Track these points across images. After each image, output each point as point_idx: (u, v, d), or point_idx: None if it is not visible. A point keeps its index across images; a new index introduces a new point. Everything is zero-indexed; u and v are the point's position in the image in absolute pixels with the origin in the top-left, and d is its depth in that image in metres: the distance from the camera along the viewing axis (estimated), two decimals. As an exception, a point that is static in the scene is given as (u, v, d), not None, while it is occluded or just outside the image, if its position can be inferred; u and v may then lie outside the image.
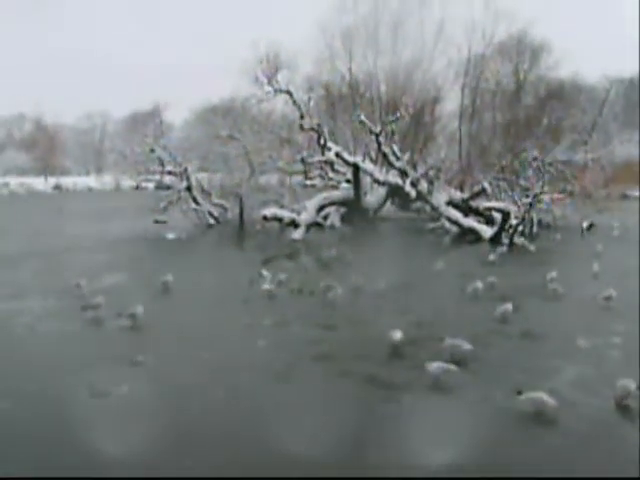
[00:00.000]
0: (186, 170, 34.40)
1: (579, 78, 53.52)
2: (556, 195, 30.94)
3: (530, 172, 29.43)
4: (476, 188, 31.24)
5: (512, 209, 27.08)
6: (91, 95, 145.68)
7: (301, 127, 32.28)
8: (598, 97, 49.52)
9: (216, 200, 35.28)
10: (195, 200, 34.64)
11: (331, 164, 34.19)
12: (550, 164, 29.02)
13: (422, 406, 8.78)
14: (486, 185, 30.13)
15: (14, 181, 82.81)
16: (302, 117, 31.87)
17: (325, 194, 33.16)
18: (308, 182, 37.06)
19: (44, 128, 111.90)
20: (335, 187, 35.64)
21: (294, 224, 29.44)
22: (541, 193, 27.45)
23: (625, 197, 50.50)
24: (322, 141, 31.70)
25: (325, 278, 17.13)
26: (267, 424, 8.23)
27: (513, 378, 9.69)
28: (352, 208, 33.00)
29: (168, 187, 35.50)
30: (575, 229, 30.46)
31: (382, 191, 33.59)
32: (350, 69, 49.88)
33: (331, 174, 35.76)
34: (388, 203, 34.28)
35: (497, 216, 28.29)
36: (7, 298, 15.91)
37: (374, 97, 49.04)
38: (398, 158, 30.76)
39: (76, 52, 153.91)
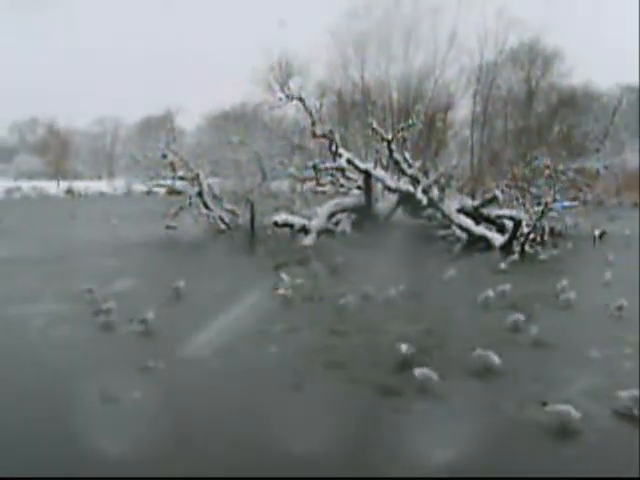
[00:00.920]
0: (198, 175, 34.49)
1: (591, 86, 53.50)
2: (568, 203, 30.84)
3: (542, 180, 29.38)
4: (487, 195, 31.16)
5: (523, 217, 27.01)
6: (104, 100, 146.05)
7: (313, 134, 32.28)
8: (610, 105, 49.35)
9: (227, 206, 35.33)
10: (206, 205, 34.69)
11: (342, 171, 34.16)
12: (562, 172, 28.94)
13: (431, 415, 8.75)
14: (497, 193, 30.05)
15: (26, 185, 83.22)
16: (314, 124, 31.88)
17: (336, 200, 33.15)
18: (319, 188, 37.08)
19: (56, 132, 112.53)
20: (346, 194, 35.61)
21: (305, 230, 29.45)
22: (553, 201, 27.38)
23: (637, 205, 50.26)
24: (334, 148, 31.70)
25: (336, 284, 17.16)
26: (276, 430, 8.23)
27: (525, 388, 9.68)
28: (363, 215, 32.96)
29: (179, 192, 35.61)
30: (587, 237, 30.34)
31: (393, 198, 33.53)
32: (362, 76, 50.07)
33: (342, 181, 35.72)
34: (399, 210, 34.22)
35: (508, 224, 28.21)
36: (20, 302, 15.98)
37: (386, 104, 49.11)
38: (410, 165, 30.73)
39: (89, 57, 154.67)
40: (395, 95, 49.99)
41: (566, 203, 30.46)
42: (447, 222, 30.27)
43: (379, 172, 32.39)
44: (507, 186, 30.82)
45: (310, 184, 36.66)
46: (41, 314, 14.61)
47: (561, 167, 29.19)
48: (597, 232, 30.71)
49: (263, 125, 38.58)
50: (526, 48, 52.00)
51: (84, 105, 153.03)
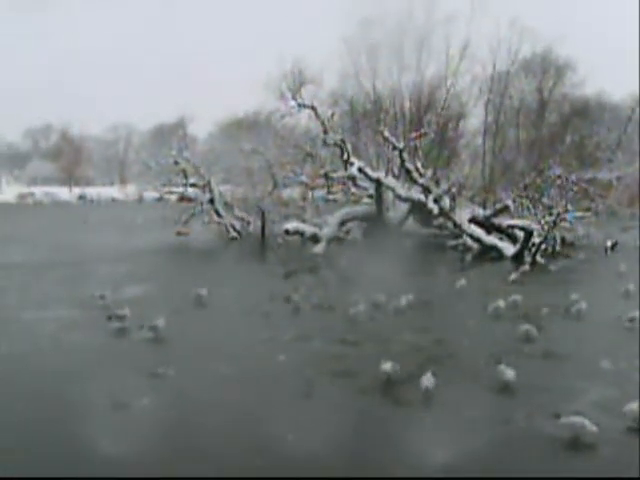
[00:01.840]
0: (209, 183, 34.66)
1: (604, 96, 53.35)
2: (580, 213, 30.71)
3: (554, 190, 29.29)
4: (499, 205, 31.07)
5: (535, 227, 26.91)
6: (118, 107, 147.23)
7: (324, 142, 32.34)
8: (623, 115, 49.25)
9: (238, 213, 35.45)
10: (218, 213, 34.82)
11: (353, 179, 34.18)
12: (574, 182, 28.84)
13: (440, 425, 8.73)
14: (509, 202, 29.96)
15: (39, 191, 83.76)
16: (325, 132, 31.94)
17: (347, 209, 33.19)
18: (330, 197, 37.14)
19: (70, 139, 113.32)
20: (357, 202, 35.65)
21: (315, 238, 29.48)
22: (565, 211, 27.28)
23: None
24: (345, 156, 31.73)
25: (346, 293, 17.16)
26: (282, 436, 8.24)
27: (536, 399, 9.65)
28: (374, 223, 32.95)
29: (191, 199, 35.77)
30: (599, 248, 30.18)
31: (404, 207, 33.50)
32: (374, 85, 50.12)
33: (353, 189, 35.75)
34: (410, 219, 34.20)
35: (520, 234, 28.11)
36: (33, 307, 16.09)
37: (398, 113, 49.14)
38: (421, 174, 30.69)
39: (104, 64, 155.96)
40: (407, 104, 50.02)
41: (578, 213, 30.32)
42: (458, 232, 30.18)
43: (390, 181, 32.38)
44: (519, 196, 30.72)
45: (321, 192, 36.74)
46: (53, 319, 14.74)
47: (573, 177, 29.09)
48: (609, 243, 30.55)
49: (275, 133, 38.65)
50: (538, 58, 51.97)
51: (98, 111, 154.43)
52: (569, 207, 27.68)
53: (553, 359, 12.03)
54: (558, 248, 28.52)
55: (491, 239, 28.87)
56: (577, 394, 9.89)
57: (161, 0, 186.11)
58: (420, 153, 33.00)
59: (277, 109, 36.04)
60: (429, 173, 32.27)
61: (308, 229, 30.15)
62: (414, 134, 32.47)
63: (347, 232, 32.81)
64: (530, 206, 30.06)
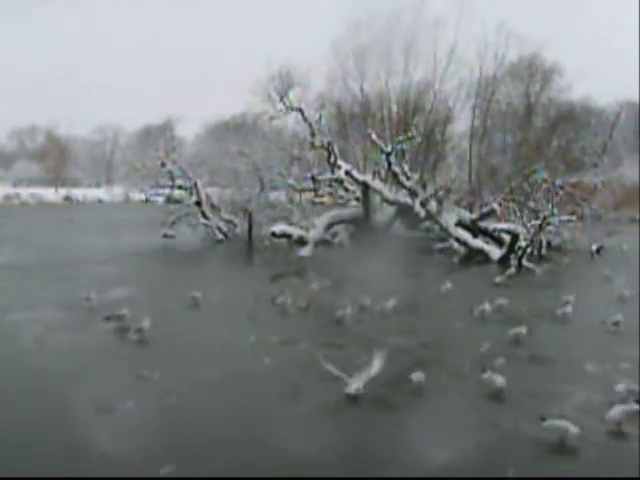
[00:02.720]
0: (196, 185, 34.56)
1: (590, 101, 53.72)
2: (565, 217, 30.90)
3: (540, 194, 29.46)
4: (485, 209, 31.20)
5: (521, 231, 27.04)
6: (104, 108, 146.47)
7: (312, 145, 32.34)
8: (609, 120, 49.64)
9: (225, 215, 35.39)
10: (204, 215, 34.73)
11: (341, 182, 34.20)
12: (560, 186, 29.01)
13: (424, 427, 8.74)
14: (495, 206, 30.11)
15: (25, 192, 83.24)
16: (313, 135, 31.94)
17: (334, 212, 33.21)
18: (317, 200, 37.14)
19: (56, 139, 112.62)
20: (344, 205, 35.67)
21: (302, 241, 29.48)
22: (551, 215, 27.44)
23: (635, 220, 50.27)
24: (332, 159, 31.74)
25: (332, 296, 17.17)
26: (266, 439, 8.24)
27: (521, 402, 9.69)
28: (361, 226, 32.99)
29: (177, 201, 35.68)
30: (584, 252, 30.38)
31: (391, 210, 33.57)
32: (362, 88, 50.20)
33: (341, 192, 35.78)
34: (397, 222, 34.27)
35: (506, 237, 28.23)
36: (17, 309, 15.96)
37: (385, 116, 49.26)
38: (408, 178, 30.77)
39: (90, 65, 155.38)
40: (394, 107, 50.15)
41: (563, 217, 30.50)
42: (445, 235, 30.28)
43: (377, 184, 32.43)
44: (505, 200, 30.89)
45: (308, 195, 36.73)
46: (38, 321, 14.60)
47: (559, 181, 29.26)
48: (594, 247, 30.76)
49: (262, 135, 38.66)
50: (525, 62, 52.24)
51: (84, 113, 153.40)
52: (555, 211, 27.84)
53: (538, 362, 12.09)
54: (544, 252, 28.69)
55: (477, 242, 28.97)
56: (562, 398, 9.93)
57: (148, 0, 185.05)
58: (407, 156, 33.07)
59: (265, 111, 36.07)
60: (416, 176, 32.44)
61: (295, 232, 30.13)
62: (401, 137, 32.52)
63: (334, 235, 32.79)
64: (516, 210, 30.25)
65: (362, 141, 40.77)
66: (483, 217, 30.79)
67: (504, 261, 26.23)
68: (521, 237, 26.63)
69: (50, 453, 7.84)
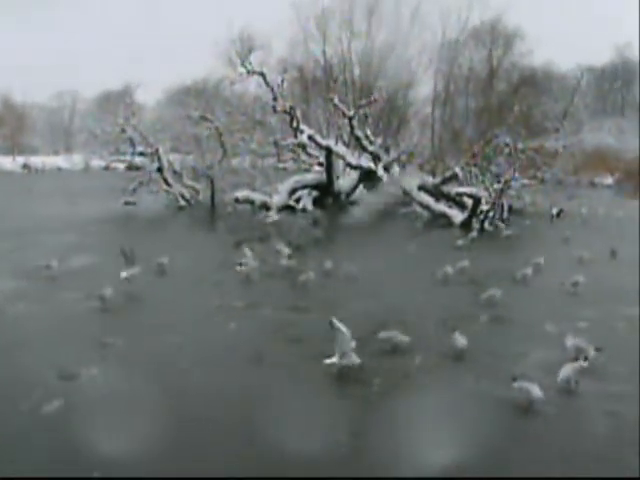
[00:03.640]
0: (157, 151, 34.10)
1: (552, 66, 54.05)
2: (526, 181, 31.21)
3: (501, 158, 29.67)
4: (448, 173, 31.34)
5: (483, 195, 27.27)
6: (62, 74, 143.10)
7: (274, 109, 32.08)
8: (570, 85, 50.01)
9: (188, 182, 35.05)
10: (166, 182, 34.35)
11: (304, 147, 34.05)
12: (522, 151, 29.22)
13: (390, 394, 8.86)
14: (458, 170, 30.27)
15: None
16: (275, 99, 31.67)
17: (297, 177, 33.12)
18: (280, 165, 36.96)
19: (12, 106, 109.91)
20: (307, 170, 35.56)
21: (266, 207, 29.38)
22: (512, 179, 27.68)
23: (594, 185, 51.08)
24: (295, 124, 31.54)
25: (296, 261, 17.17)
26: (232, 404, 8.29)
27: (481, 362, 9.86)
28: (324, 191, 32.98)
29: (138, 168, 35.21)
30: (545, 215, 30.77)
31: (354, 175, 33.60)
32: (324, 52, 49.81)
33: (304, 157, 35.63)
34: (360, 187, 34.31)
35: (468, 201, 28.45)
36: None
37: (348, 80, 48.96)
38: (371, 142, 30.80)
39: (46, 30, 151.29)
40: (357, 72, 49.93)
41: (525, 181, 30.81)
42: (408, 199, 30.42)
43: (340, 148, 32.40)
44: (467, 164, 31.06)
45: (271, 161, 36.53)
46: (-3, 291, 14.39)
47: (521, 145, 29.47)
48: (555, 210, 31.19)
49: (224, 100, 38.19)
50: (488, 27, 52.28)
51: (40, 79, 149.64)
52: (516, 175, 28.09)
53: (499, 323, 12.30)
54: (505, 215, 28.98)
55: (440, 207, 29.19)
56: (522, 357, 10.15)
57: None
58: (370, 121, 33.04)
59: (226, 76, 35.64)
60: (379, 141, 32.42)
61: (258, 197, 30.02)
62: (364, 101, 32.42)
63: (297, 200, 32.71)
64: (478, 174, 30.44)
65: (324, 105, 40.53)
66: (446, 181, 30.95)
67: (466, 225, 26.48)
68: (483, 201, 26.87)
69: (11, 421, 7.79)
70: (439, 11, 50.48)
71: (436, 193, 30.41)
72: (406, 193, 30.05)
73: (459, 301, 13.74)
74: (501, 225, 26.56)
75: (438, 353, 10.22)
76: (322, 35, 49.49)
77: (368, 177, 32.56)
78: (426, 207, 29.26)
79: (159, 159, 34.13)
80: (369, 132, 31.36)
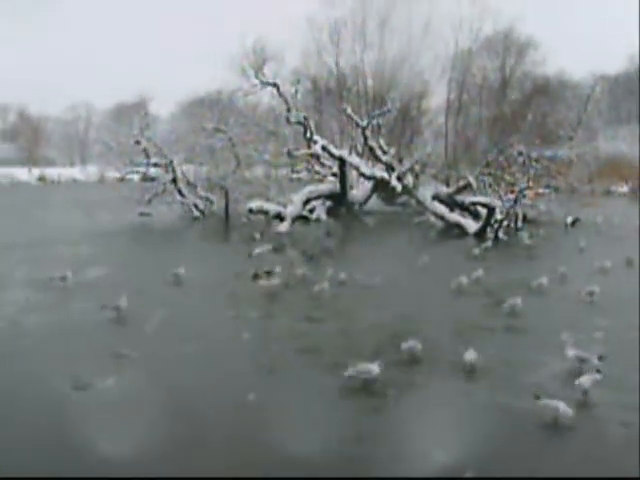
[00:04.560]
0: (172, 162, 34.28)
1: (565, 75, 53.91)
2: (541, 190, 31.09)
3: (515, 167, 29.58)
4: (462, 183, 31.32)
5: (497, 204, 27.19)
6: (76, 86, 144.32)
7: (287, 120, 32.23)
8: (583, 94, 49.76)
9: (202, 193, 35.18)
10: (181, 192, 34.51)
11: (317, 157, 34.17)
12: (536, 160, 29.13)
13: (403, 401, 8.84)
14: (471, 180, 30.22)
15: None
16: (289, 110, 31.82)
17: (311, 187, 33.15)
18: (294, 175, 37.06)
19: (28, 119, 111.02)
20: (321, 180, 35.62)
21: (280, 217, 29.44)
22: (526, 188, 27.58)
23: (609, 193, 50.80)
24: (308, 134, 31.66)
25: (311, 271, 17.18)
26: (247, 415, 8.29)
27: (496, 373, 9.82)
28: (338, 201, 33.02)
29: (153, 179, 35.38)
30: (559, 224, 30.64)
31: (368, 185, 33.63)
32: (337, 63, 49.96)
33: (317, 167, 35.75)
34: (374, 197, 34.32)
35: (482, 211, 28.38)
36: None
37: (361, 91, 49.11)
38: (384, 152, 30.82)
39: (60, 43, 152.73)
40: (370, 82, 50.02)
41: (539, 190, 30.70)
42: (422, 209, 30.39)
43: (354, 159, 32.44)
44: (481, 173, 31.00)
45: (285, 171, 36.64)
46: (12, 302, 14.47)
47: (534, 154, 29.38)
48: (569, 219, 31.05)
49: (238, 112, 38.34)
50: (500, 36, 52.26)
51: (55, 91, 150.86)
52: (530, 184, 27.99)
53: (514, 333, 12.25)
54: (520, 224, 28.88)
55: (454, 216, 29.12)
56: (538, 366, 10.08)
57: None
58: (383, 131, 33.09)
59: (240, 87, 35.79)
60: (392, 151, 32.43)
61: (272, 208, 30.08)
62: (377, 111, 32.48)
63: (311, 211, 32.78)
64: (492, 183, 30.35)
65: (338, 116, 40.64)
66: (459, 191, 30.92)
67: (480, 234, 26.41)
68: (497, 210, 26.79)
69: (30, 433, 7.84)
70: (451, 21, 50.43)
71: (450, 202, 30.38)
72: (420, 203, 30.01)
73: (474, 311, 13.71)
74: (523, 235, 26.41)
75: (454, 363, 10.15)
76: (335, 46, 49.66)
77: (382, 187, 32.56)
78: (440, 217, 29.20)
79: (173, 170, 34.31)
80: (382, 142, 31.38)
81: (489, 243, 24.42)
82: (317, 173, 36.21)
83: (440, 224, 29.15)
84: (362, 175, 32.77)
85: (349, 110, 31.56)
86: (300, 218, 30.73)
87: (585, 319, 13.17)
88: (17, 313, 13.45)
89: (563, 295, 15.53)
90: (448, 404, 8.72)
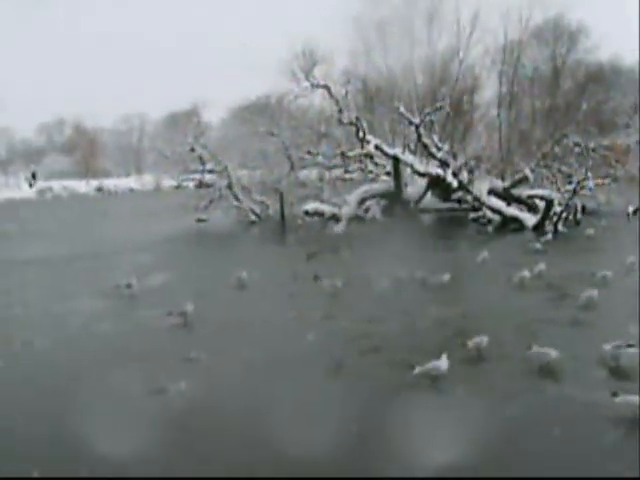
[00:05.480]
0: (226, 168, 34.70)
1: (618, 60, 52.60)
2: (599, 180, 30.50)
3: (572, 158, 29.09)
4: (517, 176, 30.88)
5: (555, 196, 26.78)
6: (128, 97, 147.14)
7: (339, 121, 32.33)
8: (637, 78, 48.59)
9: (257, 197, 35.52)
10: (236, 197, 34.90)
11: (371, 157, 34.15)
12: (593, 149, 28.60)
13: (464, 402, 8.84)
14: (528, 172, 29.79)
15: (57, 185, 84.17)
16: (340, 111, 31.91)
17: (366, 187, 33.15)
18: (347, 176, 37.09)
19: (84, 131, 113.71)
20: (375, 180, 35.59)
21: (335, 218, 29.52)
22: (584, 179, 27.09)
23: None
24: (361, 134, 31.69)
25: (369, 271, 17.22)
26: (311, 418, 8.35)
27: (566, 367, 9.73)
28: (393, 200, 32.92)
29: (209, 185, 35.85)
30: (620, 214, 29.99)
31: (422, 182, 33.44)
32: (386, 61, 49.75)
33: (371, 167, 35.72)
34: (429, 194, 34.12)
35: (540, 204, 27.97)
36: (61, 300, 16.25)
37: (411, 88, 48.75)
38: (439, 148, 30.61)
39: (113, 53, 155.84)
40: (420, 79, 49.60)
41: (598, 181, 30.12)
42: (478, 204, 30.08)
43: (407, 157, 32.31)
44: (537, 165, 30.56)
45: (338, 172, 36.69)
46: (82, 311, 14.88)
47: (591, 144, 28.83)
48: (631, 209, 30.34)
49: (289, 115, 38.55)
50: (550, 25, 51.23)
51: (110, 104, 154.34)
52: (588, 174, 27.48)
53: (580, 326, 12.09)
54: (579, 216, 28.38)
55: (511, 210, 28.76)
56: (605, 361, 9.95)
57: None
58: (436, 127, 32.89)
59: (290, 90, 35.98)
60: (446, 147, 32.19)
61: (327, 209, 30.19)
62: (429, 108, 32.31)
63: (366, 210, 32.78)
64: (549, 175, 29.90)
65: (389, 115, 40.50)
66: (515, 184, 30.51)
67: (539, 227, 26.06)
68: (555, 202, 26.37)
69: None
70: (499, 12, 49.47)
71: (506, 196, 29.99)
72: (476, 198, 29.73)
73: (539, 305, 13.54)
74: (584, 227, 25.95)
75: (521, 359, 10.07)
76: (383, 45, 49.45)
77: (436, 184, 32.33)
78: (497, 211, 28.87)
79: (228, 175, 34.72)
80: (436, 139, 31.18)
81: (549, 236, 24.07)
82: (370, 173, 36.17)
83: (497, 219, 28.80)
84: (416, 173, 32.59)
85: (402, 108, 31.42)
86: (355, 218, 30.78)
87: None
88: (89, 321, 13.84)
89: (628, 287, 15.20)
90: (519, 400, 8.67)
